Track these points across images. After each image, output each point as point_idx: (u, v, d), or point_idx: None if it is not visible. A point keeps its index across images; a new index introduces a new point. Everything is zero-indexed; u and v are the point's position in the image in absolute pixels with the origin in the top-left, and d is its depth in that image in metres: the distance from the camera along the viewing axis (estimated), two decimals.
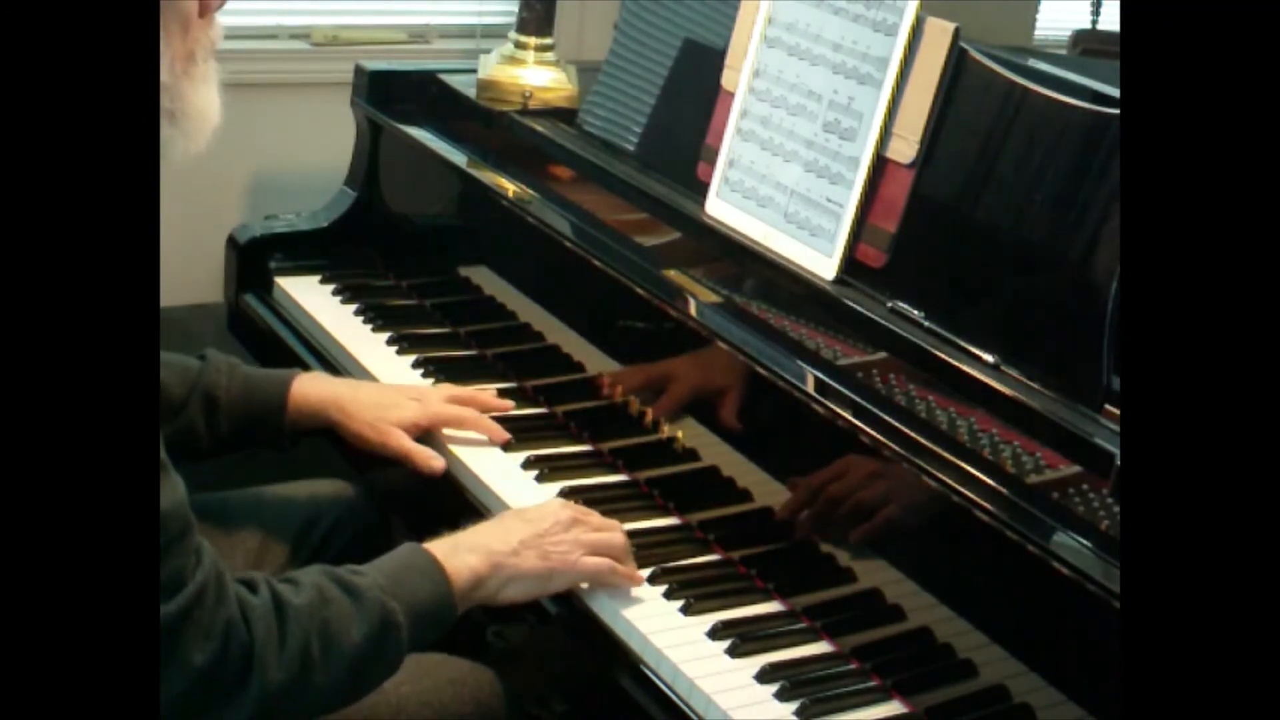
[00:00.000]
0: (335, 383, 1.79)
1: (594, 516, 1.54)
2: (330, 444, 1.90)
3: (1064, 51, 3.14)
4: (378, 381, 1.90)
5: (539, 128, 2.04)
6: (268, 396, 1.73)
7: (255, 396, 1.72)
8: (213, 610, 1.22)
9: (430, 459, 1.71)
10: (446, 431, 1.77)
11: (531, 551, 1.47)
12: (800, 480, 1.54)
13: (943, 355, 1.46)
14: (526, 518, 1.52)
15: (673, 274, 1.74)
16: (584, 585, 1.51)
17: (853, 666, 1.45)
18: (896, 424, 1.43)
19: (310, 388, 1.75)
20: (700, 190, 1.78)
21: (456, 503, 1.72)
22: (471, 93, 2.16)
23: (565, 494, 1.68)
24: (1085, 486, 1.31)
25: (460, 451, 1.75)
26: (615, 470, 1.76)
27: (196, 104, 1.28)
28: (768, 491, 1.59)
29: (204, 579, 1.22)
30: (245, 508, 1.76)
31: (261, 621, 1.26)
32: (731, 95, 1.75)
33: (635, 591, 1.52)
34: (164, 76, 1.23)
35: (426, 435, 1.76)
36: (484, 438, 1.77)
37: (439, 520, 1.75)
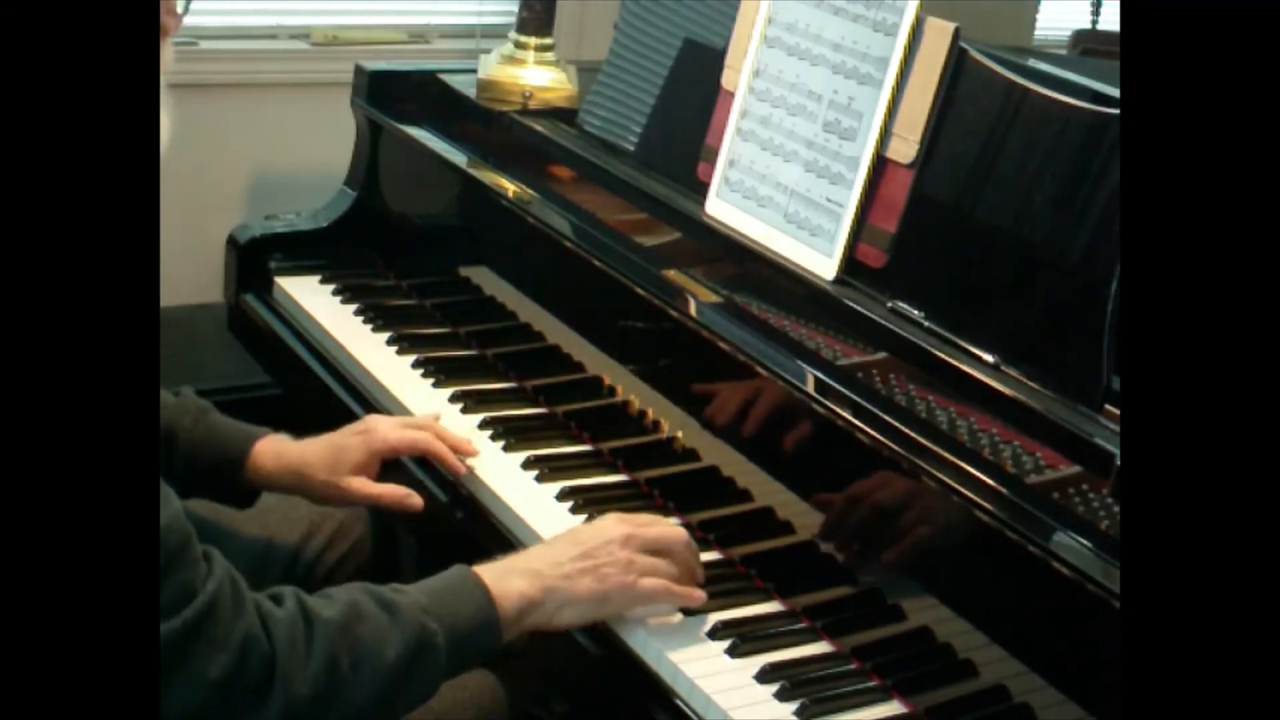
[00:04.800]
0: (291, 450, 1.68)
1: (650, 530, 1.48)
2: None
3: (1064, 51, 3.14)
4: (328, 434, 1.74)
5: (539, 128, 2.04)
6: (227, 450, 1.66)
7: (216, 445, 1.66)
8: (229, 621, 1.20)
9: (405, 498, 1.65)
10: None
11: (586, 575, 1.42)
12: (800, 481, 1.54)
13: (943, 355, 1.46)
14: (579, 539, 1.47)
15: (673, 274, 1.74)
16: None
17: (853, 666, 1.45)
18: (896, 424, 1.43)
19: (269, 456, 1.66)
20: (700, 190, 1.78)
21: (457, 504, 1.72)
22: (471, 93, 2.16)
23: (565, 494, 1.68)
24: (1085, 486, 1.31)
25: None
26: (615, 470, 1.76)
27: None
28: (768, 491, 1.59)
29: (216, 589, 1.20)
30: (248, 510, 1.75)
31: (285, 633, 1.24)
32: (731, 95, 1.75)
33: None
34: None
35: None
36: (485, 437, 1.77)
37: (441, 522, 1.75)
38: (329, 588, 1.35)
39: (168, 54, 1.29)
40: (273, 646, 1.23)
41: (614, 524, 1.49)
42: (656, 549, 1.48)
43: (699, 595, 1.48)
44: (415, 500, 1.65)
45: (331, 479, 1.65)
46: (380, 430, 1.69)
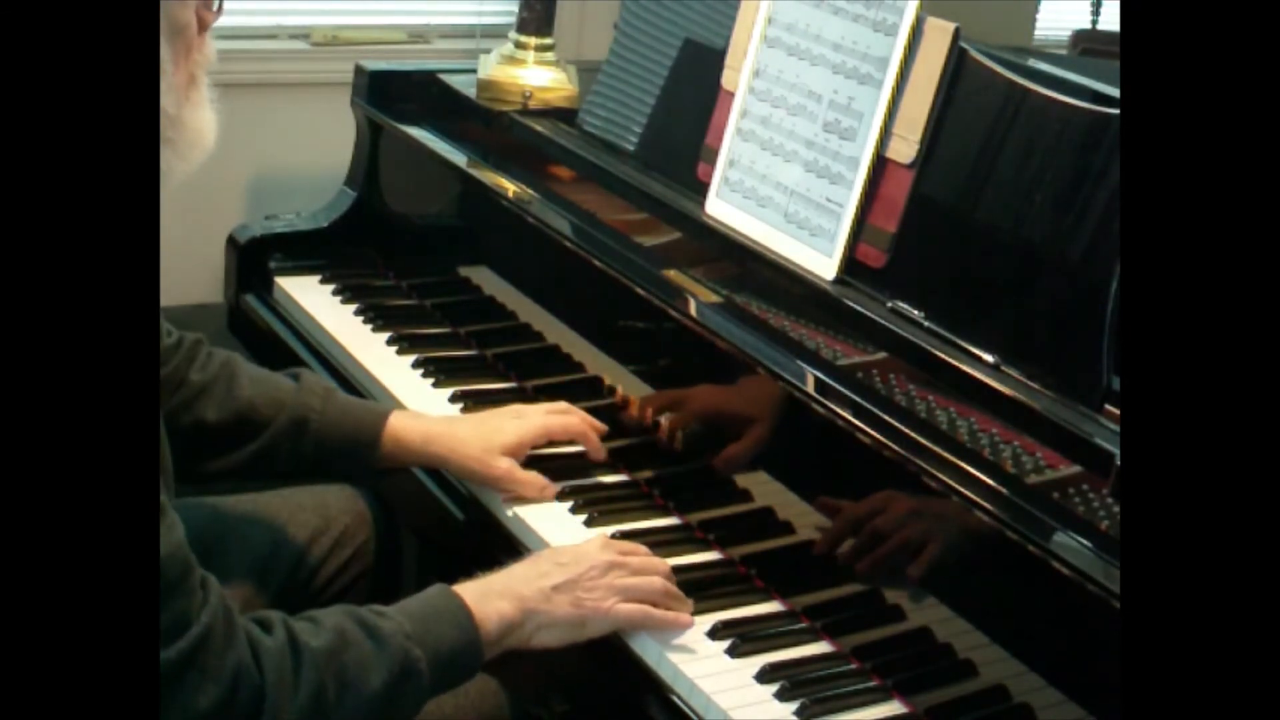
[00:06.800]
0: (431, 420, 1.74)
1: (634, 558, 1.50)
2: None
3: (1064, 51, 3.14)
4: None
5: (539, 128, 2.04)
6: (362, 428, 1.69)
7: (349, 426, 1.68)
8: (220, 653, 1.20)
9: (544, 488, 1.67)
10: None
11: (564, 597, 1.44)
12: (800, 481, 1.54)
13: (943, 355, 1.46)
14: (561, 561, 1.48)
15: (673, 274, 1.74)
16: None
17: (853, 666, 1.45)
18: (896, 424, 1.43)
19: (408, 425, 1.70)
20: (700, 190, 1.78)
21: (458, 504, 1.72)
22: (471, 93, 2.16)
23: (565, 494, 1.68)
24: (1085, 486, 1.31)
25: None
26: (615, 470, 1.76)
27: (196, 128, 1.27)
28: (767, 491, 1.59)
29: (210, 620, 1.20)
30: (254, 513, 1.75)
31: (274, 663, 1.24)
32: (731, 95, 1.75)
33: None
34: (169, 107, 1.21)
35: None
36: None
37: (443, 524, 1.75)
38: (314, 610, 1.35)
39: (209, 48, 1.29)
40: (262, 677, 1.23)
41: (598, 549, 1.50)
42: (642, 570, 1.49)
43: (686, 619, 1.48)
44: (551, 490, 1.68)
45: (484, 455, 1.67)
46: (534, 416, 1.73)
